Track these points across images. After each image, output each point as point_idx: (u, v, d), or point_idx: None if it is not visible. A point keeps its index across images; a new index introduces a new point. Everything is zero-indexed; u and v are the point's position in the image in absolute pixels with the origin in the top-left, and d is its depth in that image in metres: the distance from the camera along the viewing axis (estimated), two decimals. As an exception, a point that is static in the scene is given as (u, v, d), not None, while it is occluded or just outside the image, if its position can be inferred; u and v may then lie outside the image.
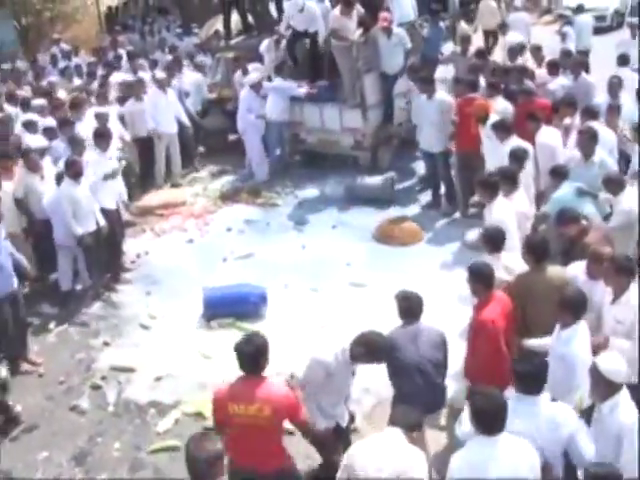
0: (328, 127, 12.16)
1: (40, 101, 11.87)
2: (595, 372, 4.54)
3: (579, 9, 16.43)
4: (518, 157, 7.97)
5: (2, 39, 23.71)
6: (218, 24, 17.59)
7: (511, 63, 11.97)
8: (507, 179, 7.41)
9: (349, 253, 9.77)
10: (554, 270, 6.11)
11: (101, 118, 10.61)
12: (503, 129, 8.67)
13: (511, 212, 7.17)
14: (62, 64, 16.78)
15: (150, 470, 6.33)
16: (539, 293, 5.90)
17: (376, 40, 11.57)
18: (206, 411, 6.82)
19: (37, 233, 9.00)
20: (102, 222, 9.04)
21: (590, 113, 8.85)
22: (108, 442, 6.70)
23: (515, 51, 12.33)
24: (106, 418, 7.03)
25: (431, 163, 10.82)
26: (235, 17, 15.95)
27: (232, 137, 14.13)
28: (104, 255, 9.33)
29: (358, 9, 11.68)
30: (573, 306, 5.27)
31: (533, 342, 5.73)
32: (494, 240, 6.42)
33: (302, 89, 12.02)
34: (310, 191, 11.97)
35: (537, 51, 12.30)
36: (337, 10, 11.57)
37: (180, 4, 23.06)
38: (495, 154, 8.76)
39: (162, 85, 12.28)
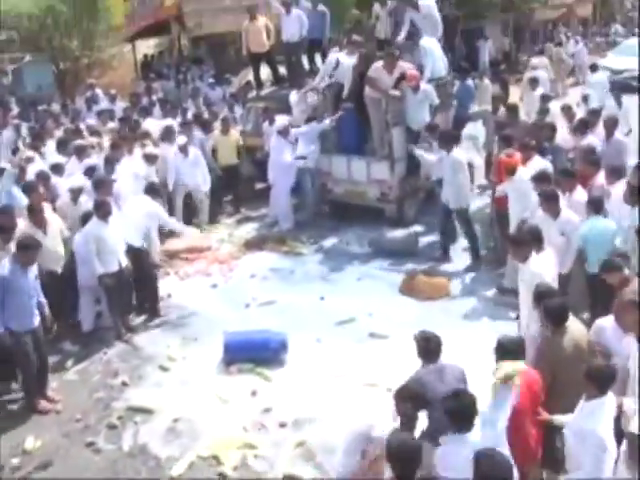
0: (355, 178, 12.26)
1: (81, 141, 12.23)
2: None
3: (593, 68, 16.47)
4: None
5: (40, 83, 24.37)
6: (250, 75, 17.93)
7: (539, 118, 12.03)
8: (536, 240, 7.23)
9: (372, 305, 9.71)
10: (576, 328, 5.95)
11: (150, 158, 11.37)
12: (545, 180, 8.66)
13: (549, 266, 7.08)
14: (97, 108, 17.09)
15: (162, 513, 6.26)
16: (567, 356, 5.72)
17: (404, 95, 11.70)
18: (221, 455, 6.84)
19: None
20: (124, 263, 9.14)
21: (616, 173, 8.81)
22: (122, 483, 6.65)
23: (545, 109, 12.41)
24: (121, 458, 6.97)
25: (444, 216, 10.86)
26: (267, 70, 16.27)
27: (259, 185, 14.33)
28: (126, 296, 9.44)
29: (401, 65, 11.85)
30: (599, 378, 5.06)
31: (562, 418, 5.42)
32: (542, 295, 6.16)
33: (326, 120, 12.21)
34: (335, 242, 12.01)
35: (568, 110, 12.34)
36: (380, 62, 11.80)
37: (215, 55, 23.58)
38: (520, 205, 9.09)
39: (184, 149, 12.43)
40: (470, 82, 13.45)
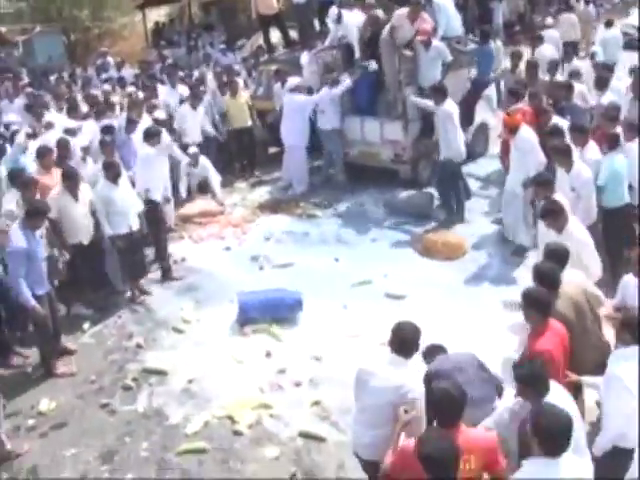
0: (369, 139, 12.07)
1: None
2: None
3: (608, 24, 16.14)
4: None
5: (51, 53, 24.31)
6: (262, 39, 17.76)
7: (550, 77, 11.76)
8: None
9: (387, 266, 9.60)
10: (571, 287, 5.64)
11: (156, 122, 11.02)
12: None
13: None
14: (106, 75, 16.98)
15: (177, 472, 6.22)
16: (570, 320, 5.44)
17: (416, 54, 11.49)
18: (236, 415, 6.79)
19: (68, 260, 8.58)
20: (135, 226, 9.05)
21: (634, 128, 8.58)
22: (136, 442, 6.60)
23: (554, 66, 12.09)
24: (135, 419, 6.94)
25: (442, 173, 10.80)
26: (278, 33, 16.07)
27: (272, 149, 14.20)
28: (139, 259, 9.36)
29: (424, 17, 11.63)
30: (634, 325, 4.90)
31: (591, 379, 5.25)
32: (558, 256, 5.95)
33: (347, 80, 11.96)
34: (350, 204, 11.86)
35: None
36: (404, 9, 11.58)
37: (225, 21, 23.34)
38: (520, 164, 9.05)
39: (193, 104, 12.41)
40: (491, 46, 13.14)
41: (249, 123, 13.50)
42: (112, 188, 8.76)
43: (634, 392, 4.66)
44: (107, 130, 10.59)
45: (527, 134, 9.14)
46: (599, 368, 5.14)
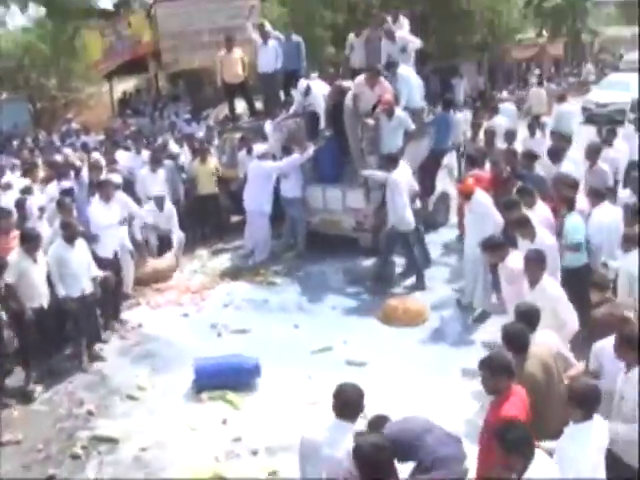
0: (331, 207, 12.12)
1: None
2: None
3: (561, 98, 16.69)
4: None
5: (16, 120, 24.33)
6: (227, 110, 17.93)
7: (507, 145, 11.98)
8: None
9: (348, 333, 9.50)
10: (540, 349, 5.62)
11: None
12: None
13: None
14: (69, 141, 16.98)
15: None
16: (537, 381, 5.43)
17: (378, 123, 11.65)
18: (188, 484, 6.56)
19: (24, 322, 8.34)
20: (89, 289, 8.93)
21: (599, 195, 8.80)
22: (83, 514, 6.33)
23: (510, 135, 12.35)
24: (83, 489, 6.67)
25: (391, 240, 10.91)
26: (243, 103, 16.23)
27: (234, 218, 14.18)
28: (91, 324, 9.22)
29: (382, 82, 11.83)
30: (583, 400, 4.80)
31: (548, 445, 5.01)
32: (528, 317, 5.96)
33: (310, 150, 12.05)
34: (310, 272, 11.81)
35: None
36: (363, 77, 11.82)
37: (192, 92, 23.61)
38: (476, 228, 9.16)
39: (153, 168, 12.45)
40: (452, 114, 13.44)
41: (216, 190, 13.51)
42: (67, 249, 8.66)
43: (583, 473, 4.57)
44: (67, 192, 10.55)
45: (482, 198, 9.37)
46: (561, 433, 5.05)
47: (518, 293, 7.11)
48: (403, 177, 10.58)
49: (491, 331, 8.71)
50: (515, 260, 7.38)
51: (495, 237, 7.96)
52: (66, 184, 11.19)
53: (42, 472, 6.91)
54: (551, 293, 6.70)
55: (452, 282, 10.93)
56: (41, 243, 8.60)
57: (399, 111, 11.66)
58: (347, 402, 4.82)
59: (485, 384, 5.14)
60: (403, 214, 10.49)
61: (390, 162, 10.65)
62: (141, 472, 6.85)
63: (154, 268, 11.59)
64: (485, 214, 9.28)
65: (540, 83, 23.65)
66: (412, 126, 11.70)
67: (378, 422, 5.33)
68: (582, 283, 7.17)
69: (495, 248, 7.64)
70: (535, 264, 6.83)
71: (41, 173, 12.63)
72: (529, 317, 5.92)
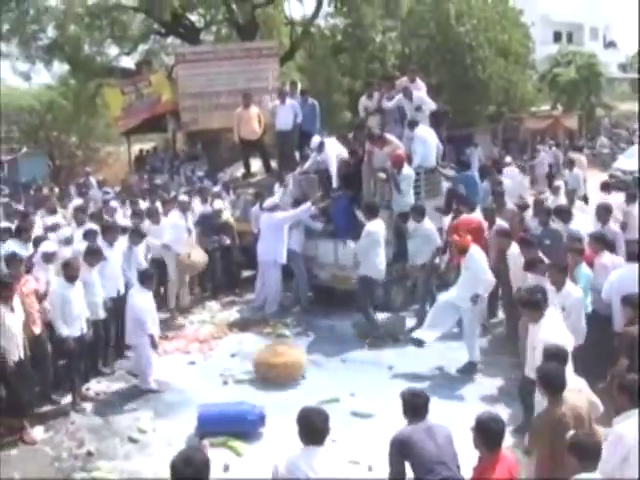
0: (342, 263, 12.08)
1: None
2: None
3: (570, 163, 17.49)
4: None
5: (35, 174, 24.65)
6: (242, 168, 18.15)
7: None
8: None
9: (356, 386, 9.37)
10: (576, 398, 5.61)
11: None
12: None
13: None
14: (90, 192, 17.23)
15: None
16: (565, 427, 5.30)
17: (391, 177, 11.75)
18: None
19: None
20: (85, 330, 9.05)
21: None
22: None
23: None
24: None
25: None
26: (259, 163, 16.44)
27: (246, 273, 14.17)
28: (86, 364, 9.32)
29: (394, 144, 12.01)
30: (581, 452, 4.75)
31: None
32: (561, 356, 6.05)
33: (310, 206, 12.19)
34: (320, 325, 11.71)
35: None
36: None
37: (208, 151, 23.91)
38: (469, 284, 9.45)
39: (183, 208, 12.42)
40: (474, 173, 13.74)
41: (228, 242, 13.59)
42: (68, 288, 8.77)
43: None
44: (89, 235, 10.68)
45: (477, 254, 9.54)
46: None
47: None
48: (380, 227, 10.86)
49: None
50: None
51: (534, 297, 7.33)
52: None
53: (37, 511, 6.76)
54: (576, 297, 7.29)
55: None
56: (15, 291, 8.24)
57: (407, 169, 11.75)
58: (314, 427, 4.83)
59: (476, 446, 5.05)
60: (375, 264, 10.77)
61: (369, 211, 10.91)
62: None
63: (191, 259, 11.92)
64: (478, 271, 9.45)
65: (580, 149, 24.18)
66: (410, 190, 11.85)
67: None
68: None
69: (536, 308, 7.19)
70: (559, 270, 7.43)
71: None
72: (560, 357, 5.99)
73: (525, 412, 7.60)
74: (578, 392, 5.71)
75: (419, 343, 9.91)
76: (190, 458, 4.12)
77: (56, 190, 19.40)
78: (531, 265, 8.79)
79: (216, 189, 15.63)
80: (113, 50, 26.89)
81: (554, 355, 6.02)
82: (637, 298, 7.24)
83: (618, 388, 5.33)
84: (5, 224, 11.99)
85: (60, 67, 26.94)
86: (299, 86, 15.39)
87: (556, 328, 6.95)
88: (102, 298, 9.74)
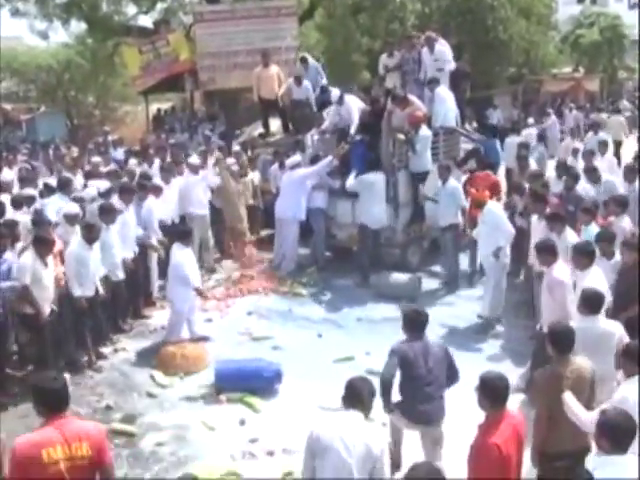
0: (358, 222, 12.04)
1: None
2: None
3: (593, 127, 17.53)
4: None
5: (53, 133, 24.69)
6: (260, 128, 18.09)
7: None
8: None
9: (371, 344, 9.40)
10: (582, 361, 5.59)
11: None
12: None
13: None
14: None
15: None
16: (568, 388, 5.33)
17: (409, 138, 11.65)
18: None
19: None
20: (101, 290, 9.18)
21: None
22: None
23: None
24: (97, 480, 6.61)
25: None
26: (277, 122, 16.37)
27: (264, 232, 14.22)
28: (98, 323, 9.34)
29: (415, 106, 11.90)
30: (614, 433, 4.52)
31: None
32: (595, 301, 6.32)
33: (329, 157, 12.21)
34: (336, 284, 11.74)
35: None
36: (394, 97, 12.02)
37: (226, 110, 23.79)
38: (488, 238, 9.55)
39: (195, 169, 12.40)
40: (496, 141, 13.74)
41: (251, 201, 13.69)
42: (87, 249, 8.84)
43: None
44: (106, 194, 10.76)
45: (494, 208, 9.65)
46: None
47: (560, 304, 7.26)
48: (379, 178, 11.30)
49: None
50: (560, 270, 7.41)
51: (550, 241, 7.86)
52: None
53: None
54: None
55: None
56: (54, 248, 8.53)
57: (425, 130, 11.66)
58: (355, 393, 4.83)
59: (480, 405, 5.00)
60: (373, 213, 11.29)
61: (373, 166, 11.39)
62: (157, 466, 6.80)
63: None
64: (497, 224, 9.48)
65: (618, 111, 23.94)
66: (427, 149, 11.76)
67: None
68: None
69: (548, 252, 7.58)
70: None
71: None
72: (595, 301, 6.27)
73: (532, 367, 7.66)
74: (587, 363, 5.62)
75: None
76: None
77: (74, 149, 19.43)
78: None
79: (235, 148, 15.54)
80: (131, 9, 26.60)
81: (591, 299, 6.28)
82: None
83: (622, 353, 5.39)
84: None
85: (78, 26, 26.67)
86: (310, 61, 15.23)
87: (600, 280, 7.13)
88: (120, 258, 9.82)
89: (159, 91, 26.00)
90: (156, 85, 23.82)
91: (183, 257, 9.36)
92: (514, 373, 8.25)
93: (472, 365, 8.54)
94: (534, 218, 9.46)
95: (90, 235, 8.88)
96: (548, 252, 7.58)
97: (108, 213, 9.58)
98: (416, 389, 6.03)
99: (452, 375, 6.22)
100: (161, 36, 23.51)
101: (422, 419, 6.09)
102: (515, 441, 4.86)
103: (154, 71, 23.04)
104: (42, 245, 8.26)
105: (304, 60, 15.42)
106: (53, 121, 27.09)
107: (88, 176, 12.78)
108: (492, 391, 4.92)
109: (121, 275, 9.82)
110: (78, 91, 30.08)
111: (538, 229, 9.19)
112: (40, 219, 9.63)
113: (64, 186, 10.98)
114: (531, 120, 22.02)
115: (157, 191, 11.39)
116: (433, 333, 9.52)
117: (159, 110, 28.02)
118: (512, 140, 15.76)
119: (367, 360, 8.95)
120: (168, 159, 13.79)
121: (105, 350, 9.39)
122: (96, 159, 14.66)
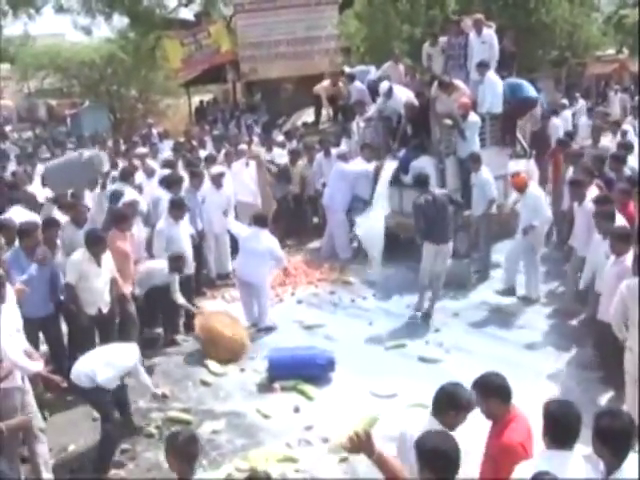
0: (407, 210, 11.96)
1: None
2: None
3: None
4: None
5: (97, 127, 24.95)
6: (304, 117, 18.12)
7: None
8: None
9: (423, 331, 9.46)
10: None
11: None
12: None
13: None
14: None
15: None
16: None
17: (456, 124, 11.55)
18: (259, 467, 6.50)
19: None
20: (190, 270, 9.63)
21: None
22: (154, 491, 6.38)
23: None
24: (155, 466, 6.71)
25: None
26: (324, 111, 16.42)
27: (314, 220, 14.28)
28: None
29: (462, 91, 11.83)
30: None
31: None
32: None
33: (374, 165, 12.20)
34: (385, 272, 11.68)
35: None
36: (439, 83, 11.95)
37: (268, 101, 23.87)
38: (528, 221, 9.85)
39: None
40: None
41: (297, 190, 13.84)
42: (174, 226, 9.22)
43: None
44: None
45: (535, 191, 10.03)
46: None
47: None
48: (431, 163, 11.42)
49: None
50: (631, 260, 7.16)
51: (626, 229, 7.68)
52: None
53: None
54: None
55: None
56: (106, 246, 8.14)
57: (473, 116, 11.54)
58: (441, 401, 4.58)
59: (480, 407, 4.66)
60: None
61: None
62: (214, 452, 6.85)
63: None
64: (536, 206, 9.78)
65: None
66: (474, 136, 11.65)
67: None
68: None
69: (623, 240, 7.32)
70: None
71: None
72: None
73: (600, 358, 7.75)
74: None
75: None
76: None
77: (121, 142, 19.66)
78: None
79: (279, 138, 15.58)
80: (172, 2, 26.90)
81: None
82: None
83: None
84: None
85: (120, 20, 27.05)
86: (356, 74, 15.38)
87: None
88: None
89: (201, 83, 26.19)
90: (198, 77, 24.04)
91: (268, 238, 9.61)
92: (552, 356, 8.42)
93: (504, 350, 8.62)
94: (576, 202, 9.38)
95: (177, 212, 9.28)
96: (623, 240, 7.28)
97: (179, 208, 9.55)
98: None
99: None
100: (202, 28, 23.69)
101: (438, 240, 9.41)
102: (530, 438, 4.69)
103: (196, 63, 23.24)
104: (95, 244, 7.90)
105: (350, 77, 15.41)
106: (97, 115, 27.35)
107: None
108: (499, 389, 4.65)
109: (191, 269, 9.84)
110: (121, 85, 30.38)
111: (580, 213, 9.14)
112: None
113: (127, 176, 11.11)
114: (565, 101, 21.62)
115: (220, 178, 11.61)
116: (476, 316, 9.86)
117: (201, 102, 28.18)
118: (554, 123, 15.59)
119: (419, 347, 8.95)
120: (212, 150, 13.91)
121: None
122: (141, 150, 14.76)
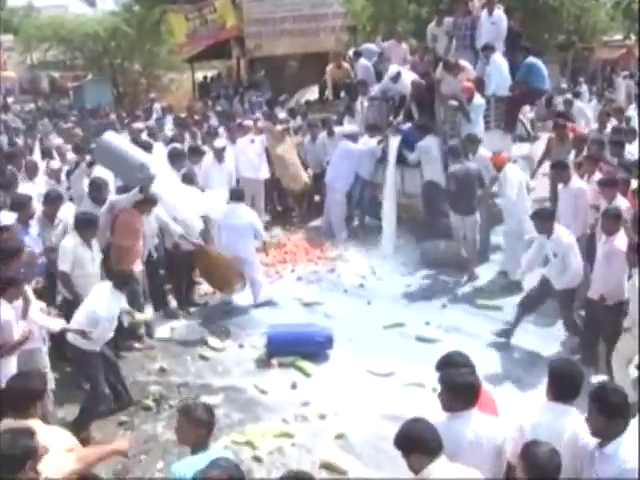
0: (408, 191, 11.97)
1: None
2: None
3: None
4: None
5: (100, 100, 24.85)
6: (308, 95, 18.00)
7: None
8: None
9: (421, 311, 9.46)
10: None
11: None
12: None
13: None
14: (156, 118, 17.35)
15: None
16: None
17: (461, 106, 11.44)
18: (256, 441, 6.58)
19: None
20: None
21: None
22: (152, 461, 6.40)
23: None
24: (153, 438, 6.75)
25: None
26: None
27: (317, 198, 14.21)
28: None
29: (467, 72, 11.75)
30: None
31: None
32: None
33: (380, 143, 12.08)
34: (386, 252, 11.67)
35: None
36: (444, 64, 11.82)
37: (272, 77, 23.74)
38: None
39: (245, 132, 12.26)
40: None
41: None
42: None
43: None
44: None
45: (512, 173, 10.01)
46: None
47: (615, 274, 7.19)
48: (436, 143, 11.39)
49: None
50: (621, 240, 7.22)
51: (618, 209, 7.63)
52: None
53: (115, 419, 7.05)
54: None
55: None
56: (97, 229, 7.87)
57: (478, 98, 11.45)
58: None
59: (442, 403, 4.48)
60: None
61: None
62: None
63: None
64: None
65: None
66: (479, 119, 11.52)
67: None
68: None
69: (615, 220, 7.36)
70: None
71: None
72: None
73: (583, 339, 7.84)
74: None
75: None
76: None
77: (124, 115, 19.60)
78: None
79: (282, 115, 15.49)
80: (178, -25, 26.64)
81: None
82: None
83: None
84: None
85: (125, -7, 26.90)
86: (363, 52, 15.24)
87: None
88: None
89: (205, 58, 26.03)
90: (202, 52, 23.88)
91: (247, 213, 9.65)
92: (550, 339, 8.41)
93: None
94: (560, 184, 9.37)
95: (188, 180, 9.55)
96: (613, 220, 7.32)
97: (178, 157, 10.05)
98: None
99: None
100: (207, 3, 23.46)
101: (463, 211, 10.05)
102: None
103: (200, 38, 23.10)
104: (85, 227, 7.62)
105: (357, 54, 15.23)
106: (99, 89, 27.25)
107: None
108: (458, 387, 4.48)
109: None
110: (124, 59, 30.27)
111: (565, 195, 9.09)
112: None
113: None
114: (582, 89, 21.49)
115: (222, 152, 11.69)
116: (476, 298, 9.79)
117: (205, 78, 28.05)
118: (578, 106, 15.63)
119: (417, 327, 8.96)
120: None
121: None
122: (138, 125, 14.58)
